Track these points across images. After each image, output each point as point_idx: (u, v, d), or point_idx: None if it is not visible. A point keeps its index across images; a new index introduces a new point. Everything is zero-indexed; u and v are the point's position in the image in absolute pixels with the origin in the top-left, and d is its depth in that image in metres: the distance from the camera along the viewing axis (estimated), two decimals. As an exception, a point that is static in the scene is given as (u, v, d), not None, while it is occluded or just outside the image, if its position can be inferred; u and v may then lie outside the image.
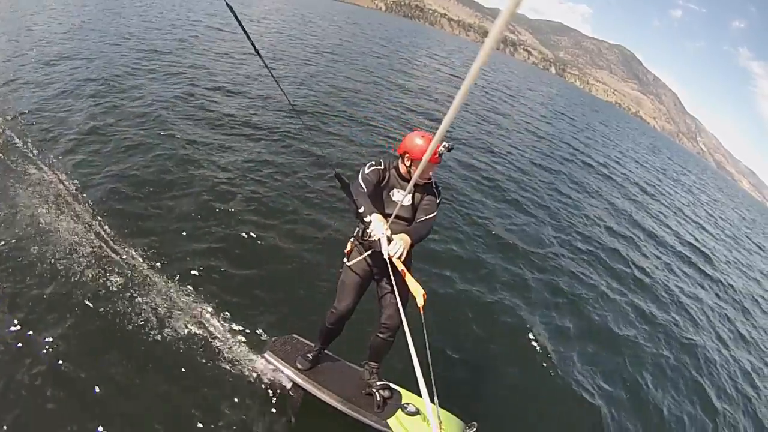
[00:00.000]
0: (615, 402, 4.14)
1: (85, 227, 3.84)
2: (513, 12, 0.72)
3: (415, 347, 1.57)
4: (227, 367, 2.93)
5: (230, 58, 11.72)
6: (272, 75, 2.08)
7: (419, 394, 2.00)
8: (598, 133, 28.37)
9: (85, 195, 4.33)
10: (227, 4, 1.79)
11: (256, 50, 1.91)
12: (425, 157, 1.40)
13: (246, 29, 1.83)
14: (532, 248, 6.41)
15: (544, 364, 4.19)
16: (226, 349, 3.04)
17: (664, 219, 12.60)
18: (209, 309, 3.31)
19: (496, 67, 50.51)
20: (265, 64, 1.92)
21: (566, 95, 61.85)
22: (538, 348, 4.37)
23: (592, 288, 6.07)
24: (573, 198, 10.00)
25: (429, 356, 1.86)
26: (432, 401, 1.88)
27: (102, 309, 3.06)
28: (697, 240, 12.20)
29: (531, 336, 4.48)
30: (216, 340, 3.08)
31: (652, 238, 9.99)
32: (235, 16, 1.78)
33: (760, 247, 19.83)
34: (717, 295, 8.60)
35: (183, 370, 2.81)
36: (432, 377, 1.86)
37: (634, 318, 5.73)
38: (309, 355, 2.76)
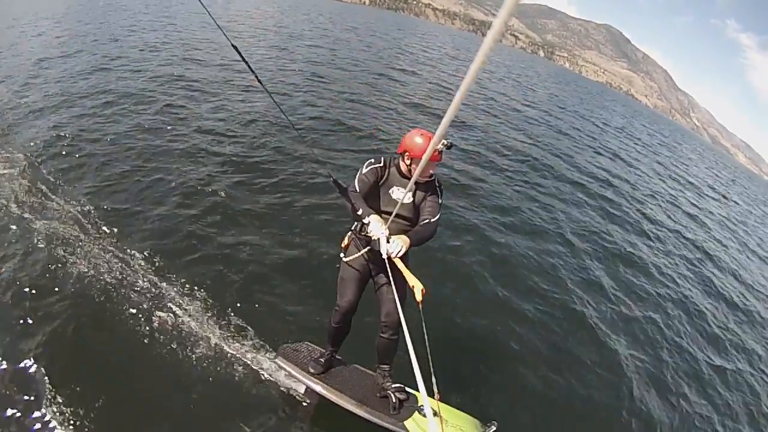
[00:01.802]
0: (626, 391, 4.01)
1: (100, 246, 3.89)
2: (512, 12, 0.69)
3: (415, 344, 1.58)
4: (238, 374, 2.92)
5: (216, 66, 11.53)
6: (271, 97, 2.22)
7: (430, 395, 2.11)
8: (546, 94, 27.96)
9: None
10: (233, 45, 1.86)
11: (260, 82, 2.01)
12: (425, 157, 1.37)
13: (249, 63, 1.97)
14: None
15: (557, 358, 4.07)
16: (237, 356, 3.03)
17: (571, 154, 12.17)
18: (217, 317, 3.32)
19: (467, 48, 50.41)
20: (266, 90, 2.10)
21: (531, 66, 61.75)
22: (550, 341, 4.24)
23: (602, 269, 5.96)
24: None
25: (429, 352, 1.83)
26: (431, 396, 1.90)
27: (107, 314, 3.14)
28: (609, 172, 11.77)
29: (544, 330, 4.35)
30: (226, 348, 3.07)
31: (540, 166, 9.73)
32: (240, 55, 1.88)
33: (724, 196, 19.41)
34: (602, 214, 8.28)
35: (194, 378, 2.82)
36: (432, 372, 1.84)
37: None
38: (321, 359, 2.74)
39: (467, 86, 0.86)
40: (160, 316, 3.18)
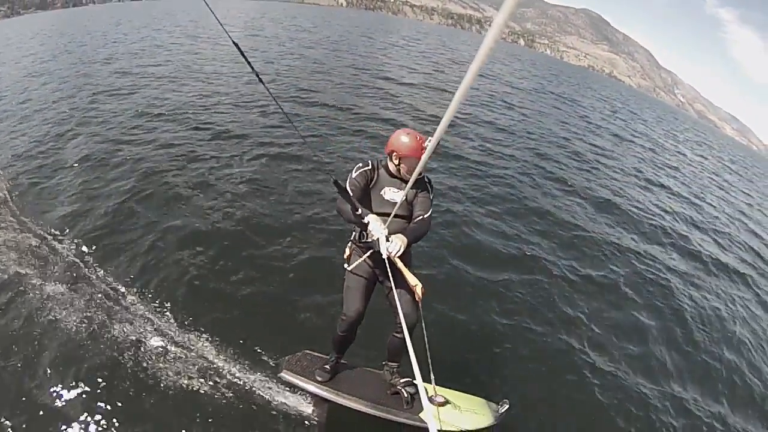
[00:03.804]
0: (632, 371, 4.11)
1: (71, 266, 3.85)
2: (512, 11, 0.70)
3: (417, 339, 1.69)
4: (244, 396, 2.87)
5: (211, 74, 12.51)
6: (274, 99, 2.07)
7: (442, 385, 2.43)
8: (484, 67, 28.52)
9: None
10: (233, 41, 1.84)
11: (260, 79, 1.95)
12: (424, 157, 1.47)
13: (250, 62, 1.89)
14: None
15: (561, 337, 4.17)
16: (238, 379, 2.98)
17: (491, 105, 12.98)
18: (212, 341, 3.25)
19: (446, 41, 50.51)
20: (268, 90, 1.95)
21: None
22: (547, 318, 4.36)
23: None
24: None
25: (427, 347, 1.93)
26: (429, 381, 2.17)
27: (101, 350, 3.06)
28: (494, 124, 12.28)
29: (544, 311, 4.47)
30: (225, 372, 3.01)
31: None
32: (242, 53, 1.83)
33: (663, 147, 19.57)
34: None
35: (199, 410, 2.75)
36: (429, 361, 1.95)
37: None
38: (326, 366, 2.74)
39: (467, 86, 0.86)
40: (150, 348, 3.07)
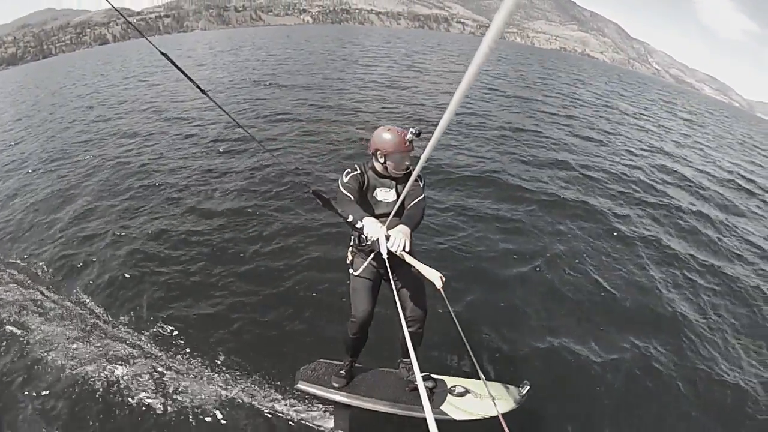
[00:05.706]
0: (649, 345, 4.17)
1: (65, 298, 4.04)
2: (511, 12, 0.69)
3: (449, 329, 1.82)
4: (262, 416, 2.86)
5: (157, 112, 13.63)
6: (225, 111, 2.11)
7: (467, 375, 2.46)
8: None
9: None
10: (161, 52, 1.79)
11: (200, 89, 1.86)
12: (424, 156, 1.40)
13: (184, 71, 1.81)
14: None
15: (571, 318, 4.24)
16: (254, 399, 2.96)
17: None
18: (219, 366, 3.22)
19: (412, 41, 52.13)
20: (211, 99, 1.91)
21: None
22: (563, 301, 4.44)
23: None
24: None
25: (462, 333, 1.85)
26: (476, 378, 2.27)
27: (102, 388, 3.09)
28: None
29: (555, 290, 4.57)
30: (239, 394, 3.00)
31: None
32: (172, 62, 1.78)
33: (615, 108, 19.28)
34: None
35: None
36: (469, 350, 1.88)
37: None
38: (342, 372, 2.78)
39: (466, 87, 0.86)
40: (152, 378, 3.06)
